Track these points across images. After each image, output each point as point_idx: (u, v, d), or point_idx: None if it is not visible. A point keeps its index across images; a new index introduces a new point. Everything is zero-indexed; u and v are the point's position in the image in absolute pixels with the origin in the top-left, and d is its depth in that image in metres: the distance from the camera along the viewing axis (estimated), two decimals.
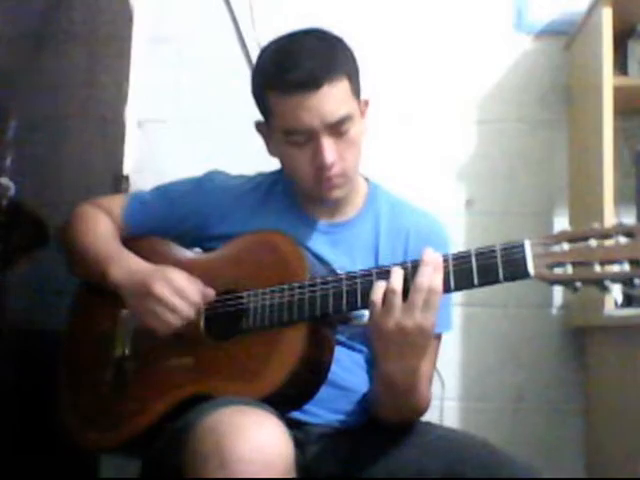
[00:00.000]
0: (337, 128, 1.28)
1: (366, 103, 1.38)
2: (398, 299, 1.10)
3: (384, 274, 1.15)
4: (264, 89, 1.31)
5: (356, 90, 1.33)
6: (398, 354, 1.13)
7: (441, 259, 1.11)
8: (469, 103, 2.08)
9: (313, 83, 1.24)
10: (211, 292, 1.29)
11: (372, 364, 1.38)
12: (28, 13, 1.53)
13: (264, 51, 1.35)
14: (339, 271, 1.33)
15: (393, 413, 1.27)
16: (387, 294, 1.10)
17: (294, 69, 1.25)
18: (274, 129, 1.33)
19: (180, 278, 1.28)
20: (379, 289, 1.12)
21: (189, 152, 2.06)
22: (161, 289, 1.26)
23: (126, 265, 1.35)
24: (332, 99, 1.26)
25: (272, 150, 1.39)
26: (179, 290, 1.26)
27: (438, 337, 1.36)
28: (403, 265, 1.14)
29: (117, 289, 1.33)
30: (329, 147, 1.27)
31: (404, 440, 1.27)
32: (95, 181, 1.89)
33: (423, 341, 1.12)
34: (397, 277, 1.11)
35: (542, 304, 1.99)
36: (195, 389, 1.24)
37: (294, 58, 1.26)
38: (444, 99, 2.08)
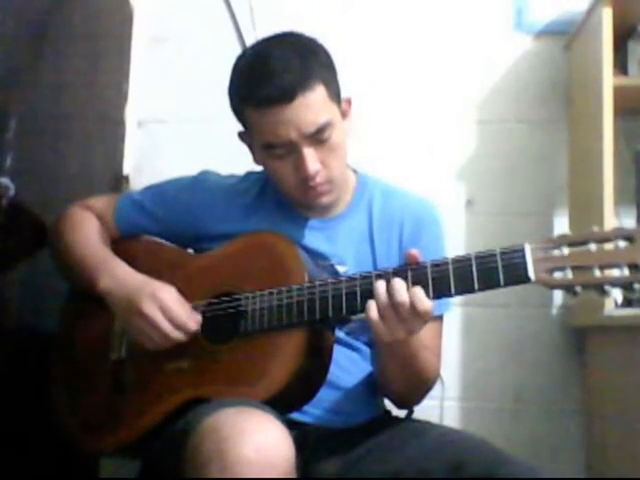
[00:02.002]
0: (317, 137, 1.27)
1: (349, 102, 1.37)
2: (405, 308, 1.11)
3: (384, 276, 1.15)
4: (240, 105, 1.31)
5: (334, 94, 1.31)
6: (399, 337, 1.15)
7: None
8: (469, 103, 2.08)
9: (286, 96, 1.23)
10: (198, 317, 1.28)
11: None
12: (28, 13, 1.53)
13: (237, 64, 1.34)
14: (337, 266, 1.35)
15: (403, 384, 1.28)
16: (395, 307, 1.11)
17: (265, 84, 1.24)
18: (254, 142, 1.33)
19: (170, 297, 1.27)
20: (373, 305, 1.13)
21: (189, 152, 2.06)
22: (150, 310, 1.25)
23: (114, 275, 1.33)
24: (307, 109, 1.25)
25: (257, 159, 1.38)
26: (167, 311, 1.25)
27: (440, 318, 1.37)
28: (402, 273, 1.14)
29: (105, 299, 1.32)
30: (310, 157, 1.27)
31: (404, 440, 1.27)
32: (95, 181, 1.89)
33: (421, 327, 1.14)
34: (401, 289, 1.11)
35: (542, 304, 1.99)
36: (194, 393, 1.24)
37: (264, 72, 1.25)
38: (444, 99, 2.08)
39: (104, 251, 1.40)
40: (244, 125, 1.35)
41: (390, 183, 1.48)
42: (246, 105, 1.29)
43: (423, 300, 1.10)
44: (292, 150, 1.27)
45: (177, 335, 1.25)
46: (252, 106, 1.27)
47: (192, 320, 1.26)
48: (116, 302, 1.31)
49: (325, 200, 1.34)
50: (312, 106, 1.25)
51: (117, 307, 1.31)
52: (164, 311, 1.25)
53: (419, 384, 1.30)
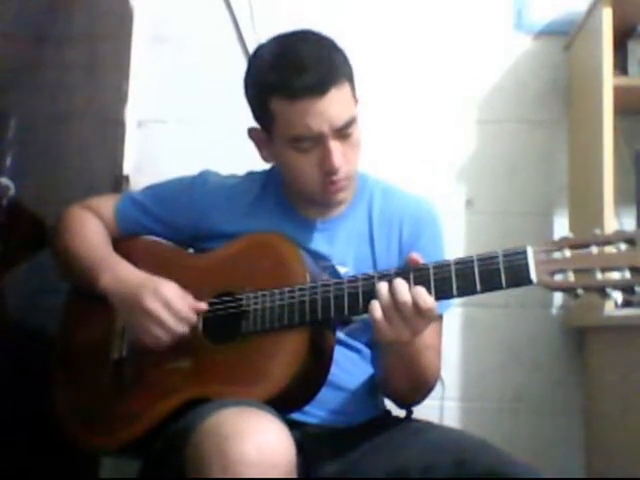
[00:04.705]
0: (343, 132, 1.27)
1: (356, 102, 1.37)
2: (408, 309, 1.11)
3: (386, 277, 1.15)
4: (266, 96, 1.28)
5: (354, 92, 1.32)
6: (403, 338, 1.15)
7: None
8: (469, 103, 2.08)
9: (321, 88, 1.23)
10: (203, 305, 1.28)
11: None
12: (28, 13, 1.52)
13: (258, 57, 1.33)
14: (338, 266, 1.34)
15: (406, 383, 1.28)
16: (398, 306, 1.11)
17: (300, 74, 1.23)
18: (277, 136, 1.31)
19: (171, 292, 1.27)
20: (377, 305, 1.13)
21: (189, 152, 2.06)
22: (152, 304, 1.25)
23: (116, 273, 1.33)
24: (338, 103, 1.25)
25: (267, 157, 1.38)
26: (170, 305, 1.25)
27: (440, 317, 1.37)
28: (404, 274, 1.15)
29: (107, 297, 1.32)
30: (337, 151, 1.26)
31: (403, 440, 1.27)
32: (95, 181, 1.89)
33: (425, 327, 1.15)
34: (403, 289, 1.12)
35: (542, 304, 2.00)
36: (195, 393, 1.24)
37: (298, 63, 1.24)
38: (444, 99, 2.08)
39: (105, 249, 1.40)
40: (264, 119, 1.32)
41: (389, 183, 1.48)
42: (275, 96, 1.26)
43: (426, 299, 1.10)
44: (318, 144, 1.27)
45: (181, 328, 1.25)
46: (283, 96, 1.25)
47: (195, 311, 1.27)
48: (118, 299, 1.31)
49: (342, 196, 1.34)
50: (342, 100, 1.26)
51: (119, 304, 1.31)
52: (167, 306, 1.25)
53: (422, 383, 1.30)
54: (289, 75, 1.24)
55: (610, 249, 1.04)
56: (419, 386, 1.30)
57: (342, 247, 1.38)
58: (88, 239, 1.41)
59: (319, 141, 1.26)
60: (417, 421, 1.36)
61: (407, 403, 1.37)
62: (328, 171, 1.28)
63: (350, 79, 1.30)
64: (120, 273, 1.33)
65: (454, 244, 1.50)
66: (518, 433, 1.95)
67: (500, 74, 2.08)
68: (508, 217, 2.03)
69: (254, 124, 1.37)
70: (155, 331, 1.25)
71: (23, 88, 1.51)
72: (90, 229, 1.44)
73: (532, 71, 2.08)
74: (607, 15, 1.78)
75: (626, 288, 1.03)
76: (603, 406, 1.83)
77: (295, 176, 1.33)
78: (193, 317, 1.26)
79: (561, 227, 2.02)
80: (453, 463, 1.15)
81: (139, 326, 1.27)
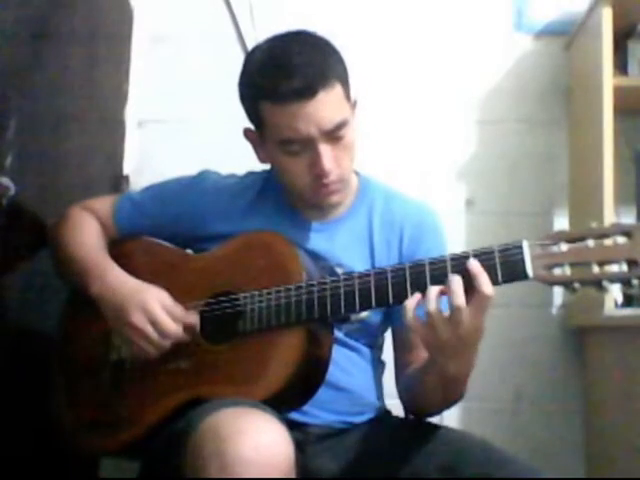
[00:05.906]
0: (333, 134, 1.26)
1: (354, 104, 1.36)
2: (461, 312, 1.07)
3: (383, 275, 1.15)
4: (256, 99, 1.28)
5: (348, 93, 1.31)
6: (454, 353, 1.13)
7: (479, 266, 1.08)
8: (469, 103, 2.08)
9: (308, 91, 1.22)
10: (191, 319, 1.28)
11: (374, 362, 1.40)
12: (28, 13, 1.52)
13: (251, 59, 1.33)
14: (336, 268, 1.34)
15: (437, 401, 1.26)
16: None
17: (288, 78, 1.22)
18: (268, 139, 1.31)
19: (158, 309, 1.26)
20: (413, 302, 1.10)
21: (189, 152, 2.06)
22: (138, 321, 1.25)
23: (105, 282, 1.32)
24: (327, 106, 1.24)
25: (263, 158, 1.37)
26: (156, 322, 1.25)
27: None
28: (401, 272, 1.14)
29: (97, 304, 1.32)
30: (326, 154, 1.26)
31: (404, 440, 1.26)
32: (95, 181, 1.89)
33: (478, 338, 1.12)
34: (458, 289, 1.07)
35: (542, 304, 2.00)
36: (193, 393, 1.23)
37: (286, 66, 1.23)
38: (444, 99, 2.08)
39: (98, 255, 1.39)
40: (256, 121, 1.32)
41: (391, 187, 1.47)
42: (264, 99, 1.26)
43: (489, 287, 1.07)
44: (308, 147, 1.26)
45: (167, 344, 1.26)
46: (272, 100, 1.25)
47: (180, 329, 1.26)
48: (106, 309, 1.31)
49: (335, 199, 1.33)
50: (332, 103, 1.25)
51: (108, 314, 1.31)
52: (153, 323, 1.25)
53: (452, 401, 1.28)
54: (277, 79, 1.23)
55: (607, 242, 1.03)
56: (450, 403, 1.28)
57: (341, 249, 1.37)
58: (82, 242, 1.41)
59: (309, 144, 1.25)
60: (417, 421, 1.36)
61: (429, 415, 1.34)
62: (318, 174, 1.27)
63: (343, 81, 1.28)
64: (109, 281, 1.32)
65: (454, 244, 1.49)
66: (518, 433, 1.95)
67: (500, 74, 2.09)
68: (508, 217, 2.03)
69: (245, 128, 1.37)
70: (141, 345, 1.26)
71: (23, 88, 1.51)
72: (85, 232, 1.43)
73: (532, 71, 2.08)
74: (607, 15, 1.78)
75: (623, 281, 1.02)
76: (603, 406, 1.83)
77: (287, 178, 1.33)
78: (180, 332, 1.26)
79: (561, 227, 2.02)
80: (446, 465, 1.15)
81: (127, 339, 1.28)
